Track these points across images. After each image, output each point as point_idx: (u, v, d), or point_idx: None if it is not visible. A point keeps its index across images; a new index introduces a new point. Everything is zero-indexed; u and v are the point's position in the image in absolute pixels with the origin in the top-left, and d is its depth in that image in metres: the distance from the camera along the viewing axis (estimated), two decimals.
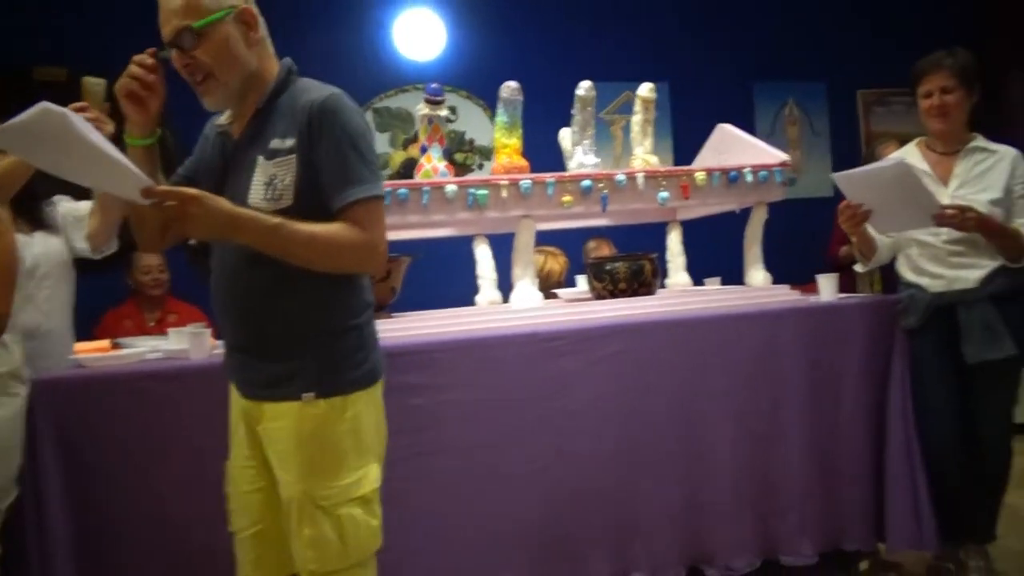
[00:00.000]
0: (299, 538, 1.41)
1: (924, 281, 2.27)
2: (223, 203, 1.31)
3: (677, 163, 4.12)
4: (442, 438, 1.93)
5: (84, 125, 1.23)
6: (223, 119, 1.53)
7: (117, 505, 1.73)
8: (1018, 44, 5.04)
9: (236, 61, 1.42)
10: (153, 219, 1.35)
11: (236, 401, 1.52)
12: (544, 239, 3.20)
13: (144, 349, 2.01)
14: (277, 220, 1.34)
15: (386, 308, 2.32)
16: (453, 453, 1.94)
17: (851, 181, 2.12)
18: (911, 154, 2.38)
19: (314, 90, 1.44)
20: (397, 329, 2.10)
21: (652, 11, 4.61)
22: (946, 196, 2.21)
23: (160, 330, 3.00)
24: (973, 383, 2.21)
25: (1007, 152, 2.26)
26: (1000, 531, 2.32)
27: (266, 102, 1.46)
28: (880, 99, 4.88)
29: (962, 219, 2.06)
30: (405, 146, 4.12)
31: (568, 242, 3.42)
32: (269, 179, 1.40)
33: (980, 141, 2.29)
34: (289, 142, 1.40)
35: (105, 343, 2.04)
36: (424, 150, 2.20)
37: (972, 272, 2.19)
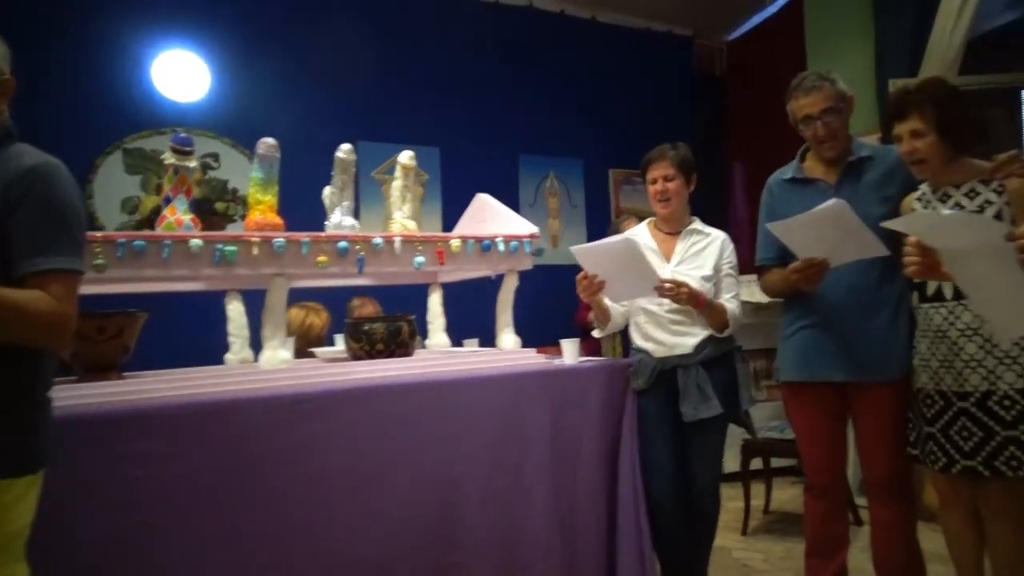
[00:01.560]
0: None
1: (650, 346, 2.52)
2: None
3: (446, 226, 4.26)
4: (176, 510, 1.78)
5: None
6: None
7: None
8: (740, 142, 5.91)
9: None
10: None
11: None
12: (308, 295, 3.14)
13: None
14: None
15: (118, 368, 2.13)
16: (187, 527, 1.79)
17: (587, 254, 2.32)
18: (643, 232, 2.66)
19: (28, 156, 1.36)
20: (129, 391, 1.92)
21: (424, 78, 4.78)
22: (668, 271, 2.50)
23: None
24: (689, 439, 2.47)
25: (718, 235, 2.61)
26: (711, 572, 2.59)
27: None
28: (627, 178, 5.46)
29: (677, 292, 2.34)
30: (158, 191, 3.84)
31: (328, 297, 3.38)
32: None
33: (697, 224, 2.62)
34: None
35: None
36: (168, 201, 2.08)
37: (688, 339, 2.47)
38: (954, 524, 2.23)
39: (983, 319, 2.00)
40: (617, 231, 3.66)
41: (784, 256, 2.38)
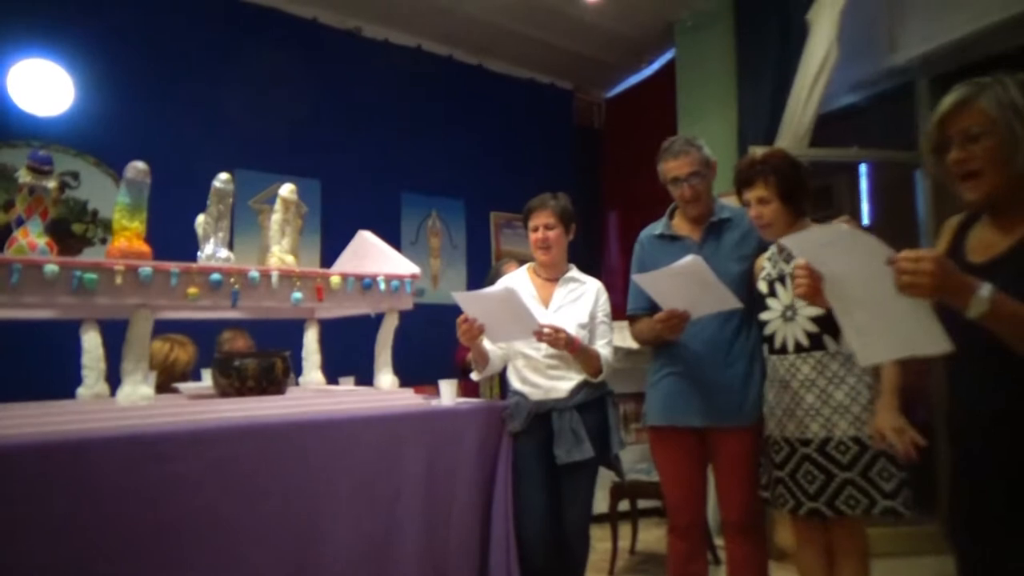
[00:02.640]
0: None
1: (527, 389, 2.57)
2: None
3: (324, 259, 4.18)
4: (19, 563, 1.62)
5: None
6: None
7: None
8: (615, 194, 6.18)
9: None
10: None
11: None
12: (172, 326, 2.97)
13: None
14: None
15: None
16: None
17: (468, 299, 2.36)
18: (522, 277, 2.73)
19: None
20: None
21: (309, 107, 4.70)
22: (547, 317, 2.57)
23: None
24: (562, 481, 2.52)
25: (593, 284, 2.71)
26: None
27: None
28: (508, 222, 5.58)
29: (555, 338, 2.41)
30: (7, 208, 3.55)
31: (196, 329, 3.22)
32: None
33: (574, 272, 2.72)
34: None
35: None
36: (20, 222, 1.93)
37: (564, 383, 2.54)
38: (807, 561, 2.38)
39: (849, 343, 2.04)
40: (498, 274, 3.71)
41: (653, 306, 2.51)
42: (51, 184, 1.98)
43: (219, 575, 1.90)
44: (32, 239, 1.91)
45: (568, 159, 6.01)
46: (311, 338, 2.80)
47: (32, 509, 1.66)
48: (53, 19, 3.87)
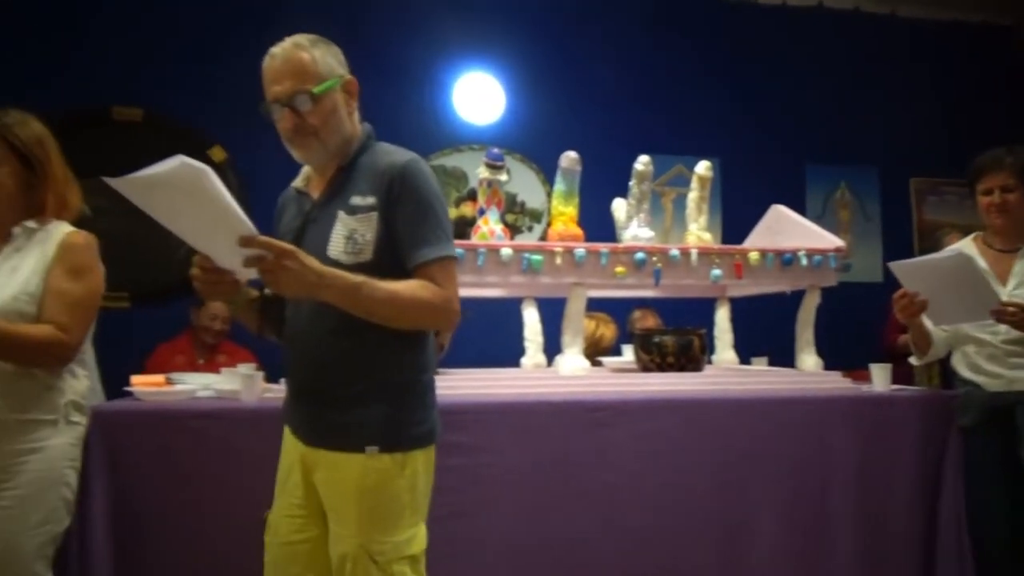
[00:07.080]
0: None
1: (981, 379, 2.21)
2: (314, 261, 1.34)
3: (726, 239, 4.13)
4: (478, 501, 1.91)
5: (217, 185, 1.25)
6: (299, 181, 1.61)
7: (161, 538, 1.76)
8: None
9: (339, 126, 1.49)
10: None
11: (293, 448, 1.54)
12: (590, 306, 3.21)
13: (195, 387, 2.04)
14: (360, 279, 1.37)
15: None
16: (488, 517, 1.91)
17: (908, 270, 2.10)
18: (968, 249, 2.35)
19: (395, 154, 1.50)
20: (442, 387, 2.09)
21: (706, 88, 4.68)
22: (1004, 295, 2.17)
23: (210, 368, 3.05)
24: None
25: None
26: None
27: (349, 162, 1.52)
28: (933, 188, 4.87)
29: (1022, 318, 2.02)
30: (458, 204, 4.20)
31: (609, 308, 3.43)
32: (350, 233, 1.45)
33: None
34: (370, 200, 1.45)
35: (160, 378, 2.09)
36: (482, 212, 2.25)
37: None
38: None
39: None
40: (939, 247, 3.28)
41: None
42: (503, 177, 2.27)
43: (645, 543, 1.99)
44: (491, 227, 2.22)
45: (1007, 110, 5.02)
46: (723, 316, 2.79)
47: (492, 460, 1.93)
48: (487, 37, 4.46)
